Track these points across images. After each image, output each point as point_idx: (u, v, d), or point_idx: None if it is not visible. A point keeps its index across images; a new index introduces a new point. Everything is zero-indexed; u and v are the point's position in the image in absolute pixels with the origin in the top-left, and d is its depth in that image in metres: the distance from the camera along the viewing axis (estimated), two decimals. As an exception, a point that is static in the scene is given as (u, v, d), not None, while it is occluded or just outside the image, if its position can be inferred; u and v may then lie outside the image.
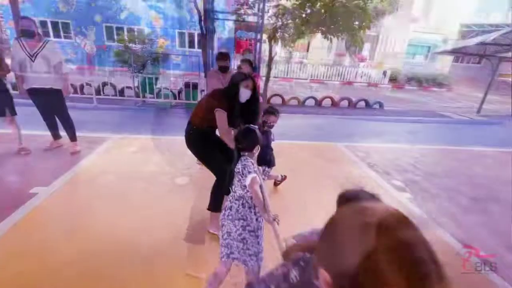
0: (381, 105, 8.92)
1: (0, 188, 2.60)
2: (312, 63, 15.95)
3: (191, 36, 14.04)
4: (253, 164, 1.42)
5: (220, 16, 8.57)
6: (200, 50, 7.50)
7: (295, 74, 15.37)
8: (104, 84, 6.92)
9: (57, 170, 2.93)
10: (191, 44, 14.21)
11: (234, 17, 8.43)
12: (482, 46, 8.15)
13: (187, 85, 6.55)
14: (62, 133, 3.52)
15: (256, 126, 1.52)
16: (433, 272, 0.35)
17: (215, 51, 7.10)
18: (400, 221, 0.39)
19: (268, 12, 6.65)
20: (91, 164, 3.19)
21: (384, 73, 15.75)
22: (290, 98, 8.42)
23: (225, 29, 14.08)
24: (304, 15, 6.38)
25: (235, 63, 9.16)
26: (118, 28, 13.45)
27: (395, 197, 2.97)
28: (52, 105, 3.28)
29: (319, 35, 7.59)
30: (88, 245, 1.93)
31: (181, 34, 14.04)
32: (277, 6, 6.74)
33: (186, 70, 13.28)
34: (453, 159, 4.45)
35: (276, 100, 8.16)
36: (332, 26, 6.25)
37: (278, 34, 7.19)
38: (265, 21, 6.28)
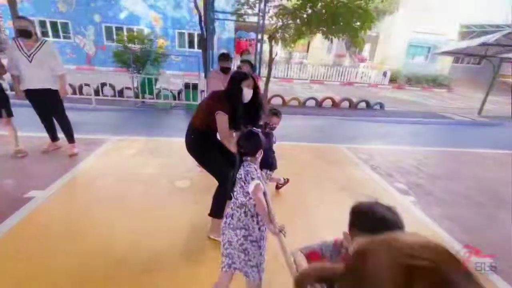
0: (382, 106, 8.89)
1: (-5, 191, 2.54)
2: (312, 64, 15.92)
3: (191, 36, 13.99)
4: (256, 170, 1.36)
5: (220, 16, 8.52)
6: (200, 51, 7.44)
7: (295, 74, 15.33)
8: (103, 84, 6.86)
9: (54, 173, 2.87)
10: (191, 45, 14.16)
11: (234, 17, 8.39)
12: (483, 47, 8.11)
13: (187, 85, 6.50)
14: (60, 134, 3.46)
15: (259, 130, 1.46)
16: None
17: (215, 52, 7.04)
18: (449, 263, 0.33)
19: (268, 12, 6.60)
20: (89, 166, 3.13)
21: (384, 73, 15.72)
22: (290, 99, 8.37)
23: (225, 29, 14.03)
24: (305, 15, 6.33)
25: (235, 63, 9.11)
26: (117, 28, 13.39)
27: (398, 201, 2.92)
28: (49, 106, 3.22)
29: (319, 36, 7.55)
30: (86, 251, 1.87)
31: (181, 34, 13.99)
32: (277, 6, 6.69)
33: (186, 71, 13.24)
34: (457, 161, 4.41)
35: (277, 101, 8.11)
36: (333, 27, 6.20)
37: (279, 34, 7.14)
38: (266, 21, 6.22)
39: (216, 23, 7.93)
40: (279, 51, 14.87)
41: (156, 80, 6.66)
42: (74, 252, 1.85)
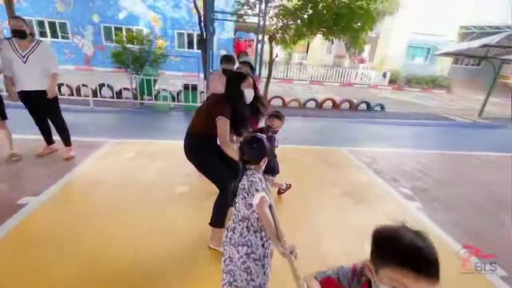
0: (382, 107, 8.83)
1: (-13, 197, 2.44)
2: (312, 65, 15.86)
3: (190, 36, 13.91)
4: (261, 180, 1.25)
5: (220, 16, 8.44)
6: (199, 51, 7.36)
7: (295, 75, 15.28)
8: (101, 85, 6.77)
9: (49, 177, 2.78)
10: (190, 45, 14.08)
11: (234, 18, 8.32)
12: (484, 48, 8.06)
13: (186, 87, 6.41)
14: (56, 137, 3.37)
15: (263, 135, 1.36)
16: None
17: (215, 52, 6.97)
18: None
19: (269, 12, 6.53)
20: (86, 170, 3.04)
21: (384, 74, 15.69)
22: (290, 100, 8.30)
23: (224, 30, 13.96)
24: (305, 16, 6.26)
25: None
26: (116, 29, 13.29)
27: (404, 207, 2.84)
28: (45, 109, 3.13)
29: (318, 36, 7.48)
30: (80, 262, 1.78)
31: (180, 35, 13.90)
32: (278, 6, 6.62)
33: (185, 71, 13.15)
34: (461, 164, 4.34)
35: (277, 102, 8.03)
36: (334, 27, 6.13)
37: (279, 35, 7.07)
38: (266, 22, 6.14)
39: (216, 24, 7.85)
40: (279, 52, 14.82)
41: (155, 81, 6.57)
42: (67, 264, 1.76)
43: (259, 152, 1.28)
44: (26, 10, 12.60)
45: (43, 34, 13.27)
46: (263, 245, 1.25)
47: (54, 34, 13.42)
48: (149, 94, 6.42)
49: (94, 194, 2.58)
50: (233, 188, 1.32)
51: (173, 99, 6.75)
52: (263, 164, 1.31)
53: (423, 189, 3.25)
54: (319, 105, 8.43)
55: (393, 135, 5.89)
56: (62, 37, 13.54)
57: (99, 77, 6.81)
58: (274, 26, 7.00)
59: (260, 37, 6.12)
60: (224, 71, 3.00)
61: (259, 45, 6.15)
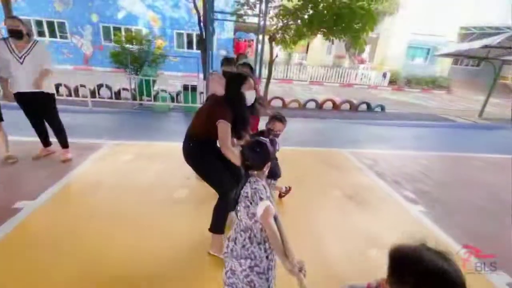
0: (382, 108, 8.80)
1: (-18, 201, 2.39)
2: (312, 65, 15.83)
3: (189, 37, 13.85)
4: (265, 187, 1.19)
5: (220, 16, 8.39)
6: (198, 51, 7.32)
7: (295, 75, 15.24)
8: (100, 86, 6.71)
9: (46, 180, 2.72)
10: (190, 45, 14.02)
11: (234, 18, 8.27)
12: (484, 49, 8.04)
13: (185, 87, 6.36)
14: (53, 139, 3.31)
15: (267, 139, 1.30)
16: None
17: (215, 52, 6.91)
18: None
19: (269, 13, 6.48)
20: (83, 173, 2.99)
21: (384, 75, 15.67)
22: (290, 101, 8.25)
23: (224, 30, 13.90)
24: (306, 16, 6.22)
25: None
26: (115, 28, 13.22)
27: (407, 211, 2.80)
28: (41, 110, 3.07)
29: (318, 37, 7.44)
30: (76, 269, 1.73)
31: (180, 35, 13.84)
32: (278, 7, 6.57)
33: (185, 72, 13.09)
34: (463, 166, 4.30)
35: (277, 103, 7.99)
36: (334, 28, 6.09)
37: (279, 35, 7.03)
38: (266, 22, 6.10)
39: (216, 24, 7.79)
40: (279, 52, 14.77)
41: (154, 81, 6.52)
42: (63, 271, 1.71)
43: (263, 157, 1.22)
44: (24, 10, 12.52)
45: (41, 33, 13.19)
46: (267, 257, 1.18)
47: (52, 34, 13.34)
48: (148, 94, 6.37)
49: (91, 198, 2.53)
50: (235, 195, 1.25)
51: (173, 99, 6.69)
52: (267, 169, 1.25)
53: (425, 192, 3.21)
54: (319, 106, 8.38)
55: (394, 137, 5.85)
56: (61, 37, 13.47)
57: (98, 77, 6.75)
58: (274, 26, 6.95)
59: (260, 37, 6.07)
60: (225, 73, 2.95)
61: (259, 46, 6.10)
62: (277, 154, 2.57)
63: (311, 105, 8.36)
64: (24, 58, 2.82)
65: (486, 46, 7.06)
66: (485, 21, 14.88)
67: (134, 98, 6.46)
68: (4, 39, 2.84)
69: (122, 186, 2.78)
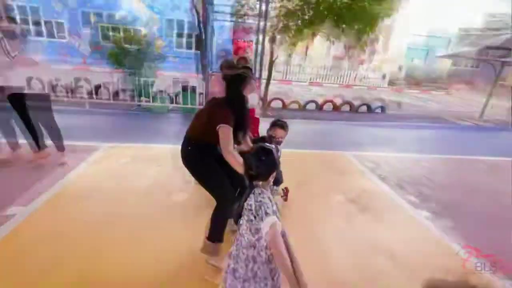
0: (383, 109, 8.76)
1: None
2: (311, 66, 15.78)
3: (189, 37, 13.77)
4: (270, 199, 1.09)
5: (219, 17, 8.31)
6: (198, 52, 7.24)
7: (294, 76, 15.18)
8: (98, 86, 6.60)
9: (40, 185, 2.64)
10: (189, 46, 13.94)
11: (233, 19, 8.19)
12: (484, 51, 8.02)
13: (184, 88, 6.27)
14: (49, 141, 3.22)
15: (273, 146, 1.21)
16: None
17: (214, 53, 6.84)
18: None
19: (269, 13, 6.41)
20: (78, 178, 2.90)
21: (384, 76, 15.64)
22: (290, 102, 8.19)
23: (223, 31, 13.83)
24: (306, 17, 6.16)
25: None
26: (114, 29, 13.13)
27: (412, 216, 2.73)
28: (35, 112, 2.97)
29: (318, 37, 7.39)
30: (70, 282, 1.64)
31: (179, 35, 13.77)
32: (278, 7, 6.50)
33: (184, 72, 13.00)
34: (467, 169, 4.24)
35: (276, 104, 7.92)
36: (335, 28, 6.04)
37: (279, 36, 6.96)
38: (267, 23, 6.02)
39: (215, 24, 7.72)
40: (279, 53, 14.69)
41: (152, 82, 6.43)
42: (57, 280, 1.63)
43: (269, 165, 1.12)
44: (22, 9, 12.41)
45: (39, 33, 13.09)
46: (273, 278, 1.08)
47: (50, 34, 13.23)
48: (147, 95, 6.28)
49: (86, 204, 2.44)
50: (238, 207, 1.15)
51: (171, 100, 6.60)
52: (272, 178, 1.16)
53: (429, 196, 3.14)
54: (319, 107, 8.33)
55: (395, 139, 5.79)
56: (59, 37, 13.36)
57: (96, 78, 6.65)
58: (275, 27, 6.89)
59: (261, 38, 6.00)
60: (225, 76, 2.86)
61: (259, 46, 6.02)
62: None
63: (311, 106, 8.30)
64: (17, 59, 2.73)
65: (487, 48, 7.03)
66: (484, 22, 14.88)
67: (132, 99, 6.37)
68: (-3, 39, 2.75)
69: (119, 190, 2.69)
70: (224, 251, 1.84)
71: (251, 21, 7.13)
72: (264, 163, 1.12)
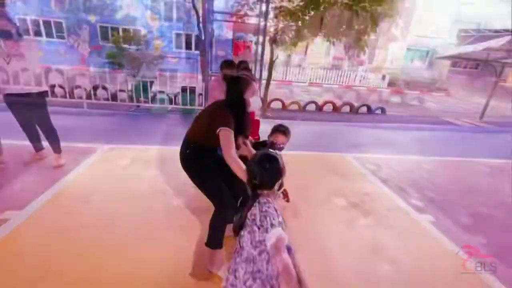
0: (383, 110, 8.73)
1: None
2: (311, 66, 15.76)
3: (188, 37, 13.72)
4: (276, 210, 1.02)
5: (219, 17, 8.27)
6: (197, 52, 7.19)
7: (294, 77, 15.15)
8: (96, 87, 6.55)
9: (35, 188, 2.57)
10: (188, 46, 13.89)
11: (233, 19, 8.15)
12: (485, 52, 7.99)
13: (183, 89, 6.21)
14: (46, 142, 3.15)
15: (279, 152, 1.16)
16: None
17: (214, 53, 6.79)
18: None
19: (269, 14, 6.36)
20: (75, 180, 2.84)
21: (383, 77, 15.64)
22: (290, 103, 8.15)
23: (223, 31, 13.78)
24: (307, 17, 6.11)
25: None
26: (113, 29, 13.06)
27: (415, 220, 2.68)
28: (31, 112, 2.91)
29: (318, 38, 7.35)
30: (68, 286, 1.59)
31: (178, 35, 13.71)
32: (279, 7, 6.46)
33: (183, 73, 12.95)
34: (470, 172, 4.19)
35: (276, 105, 7.87)
36: (335, 30, 6.00)
37: (279, 36, 6.92)
38: (267, 23, 5.97)
39: (215, 24, 7.67)
40: (279, 53, 14.65)
41: (151, 82, 6.37)
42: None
43: (274, 174, 1.05)
44: (20, 9, 12.35)
45: (37, 33, 13.02)
46: None
47: (49, 34, 13.16)
48: (146, 96, 6.22)
49: (83, 208, 2.38)
50: (240, 218, 1.09)
51: (171, 101, 6.54)
52: (278, 187, 1.09)
53: (433, 200, 3.10)
54: (319, 108, 8.29)
55: (396, 140, 5.75)
56: (58, 37, 13.29)
57: (94, 78, 6.61)
58: (275, 28, 6.84)
59: (261, 38, 5.95)
60: (225, 76, 2.82)
61: (260, 47, 5.97)
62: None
63: (311, 107, 8.26)
64: (10, 58, 2.67)
65: (488, 49, 7.00)
66: (484, 23, 14.89)
67: (131, 100, 6.31)
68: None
69: (116, 194, 2.64)
70: (225, 256, 1.80)
71: (251, 21, 7.08)
72: (268, 171, 1.05)
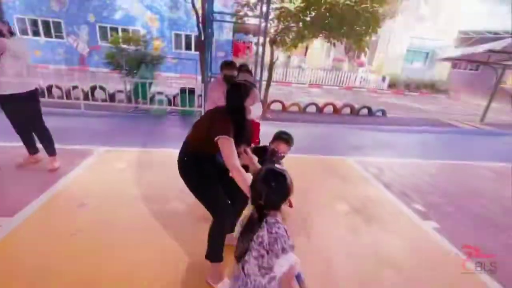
0: (383, 112, 8.66)
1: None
2: (311, 68, 15.70)
3: (188, 38, 13.64)
4: (286, 231, 0.91)
5: (219, 17, 8.21)
6: (197, 53, 7.12)
7: (294, 78, 15.09)
8: (94, 87, 6.47)
9: (28, 193, 2.49)
10: (188, 46, 13.81)
11: (233, 19, 8.09)
12: (486, 54, 7.94)
13: (183, 90, 6.14)
14: (40, 145, 3.07)
15: (285, 168, 1.04)
16: None
17: (213, 54, 6.71)
18: None
19: (270, 14, 6.30)
20: (70, 185, 2.76)
21: (383, 78, 15.58)
22: (290, 105, 8.08)
23: (223, 32, 13.73)
24: (307, 18, 6.05)
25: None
26: (112, 29, 12.97)
27: (419, 226, 2.61)
28: (24, 114, 2.81)
29: (318, 39, 7.29)
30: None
31: (178, 36, 13.63)
32: (279, 8, 6.40)
33: (183, 73, 12.87)
34: (474, 176, 4.12)
35: (276, 106, 7.80)
36: (336, 31, 5.94)
37: (279, 37, 6.86)
38: (267, 24, 5.91)
39: (214, 25, 7.61)
40: (279, 54, 14.60)
41: (150, 83, 6.29)
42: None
43: (281, 194, 0.94)
44: (19, 8, 12.26)
45: (36, 33, 12.93)
46: None
47: (47, 34, 13.06)
48: (144, 97, 6.14)
49: (78, 215, 2.30)
50: (242, 242, 0.97)
51: (169, 102, 6.47)
52: (285, 205, 0.99)
53: (436, 206, 3.03)
54: (320, 110, 8.22)
55: (397, 143, 5.69)
56: (56, 37, 13.19)
57: (92, 79, 6.53)
58: (275, 28, 6.78)
59: (261, 39, 5.89)
60: (226, 78, 2.74)
61: (260, 48, 5.91)
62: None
63: (311, 109, 8.20)
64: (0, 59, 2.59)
65: (490, 51, 6.95)
66: (484, 25, 14.87)
67: (129, 101, 6.23)
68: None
69: (112, 200, 2.56)
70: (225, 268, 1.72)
71: (251, 22, 7.02)
72: (275, 191, 0.94)
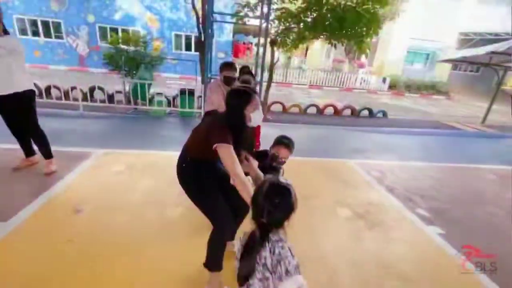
0: (384, 114, 8.61)
1: None
2: (311, 69, 15.67)
3: (188, 38, 13.60)
4: (291, 250, 0.85)
5: (219, 18, 8.17)
6: (197, 53, 7.07)
7: (294, 79, 15.05)
8: (93, 88, 6.41)
9: (23, 197, 2.43)
10: (188, 47, 13.77)
11: (234, 20, 8.04)
12: (487, 55, 7.91)
13: (182, 91, 6.09)
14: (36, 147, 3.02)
15: (290, 181, 0.97)
16: None
17: (213, 55, 6.67)
18: None
19: (270, 15, 6.25)
20: (67, 188, 2.70)
21: (384, 80, 15.55)
22: (291, 106, 8.03)
23: (223, 32, 13.68)
24: (309, 20, 6.01)
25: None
26: (112, 29, 12.93)
27: (424, 232, 2.56)
28: (17, 116, 2.73)
29: (318, 40, 7.25)
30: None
31: (178, 36, 13.59)
32: (280, 9, 6.35)
33: (182, 74, 12.82)
34: (477, 179, 4.07)
35: (277, 108, 7.75)
36: (337, 32, 5.90)
37: (280, 38, 6.81)
38: (268, 25, 5.87)
39: (215, 26, 7.57)
40: (280, 56, 14.58)
41: (149, 84, 6.24)
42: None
43: (285, 211, 0.87)
44: (18, 8, 12.21)
45: (35, 33, 12.88)
46: None
47: (47, 34, 13.01)
48: (143, 98, 6.09)
49: (73, 220, 2.24)
50: (245, 263, 0.89)
51: (169, 103, 6.42)
52: (289, 222, 0.92)
53: (441, 210, 2.97)
54: (320, 111, 8.17)
55: (399, 145, 5.64)
56: (56, 37, 13.14)
57: (91, 79, 6.47)
58: (276, 29, 6.74)
59: (262, 40, 5.84)
60: (226, 79, 2.68)
61: (261, 49, 5.86)
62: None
63: (312, 110, 8.15)
64: None
65: (492, 53, 6.91)
66: (484, 27, 14.87)
67: (128, 102, 6.17)
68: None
69: (109, 204, 2.50)
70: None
71: (251, 23, 6.98)
72: (278, 208, 0.87)
